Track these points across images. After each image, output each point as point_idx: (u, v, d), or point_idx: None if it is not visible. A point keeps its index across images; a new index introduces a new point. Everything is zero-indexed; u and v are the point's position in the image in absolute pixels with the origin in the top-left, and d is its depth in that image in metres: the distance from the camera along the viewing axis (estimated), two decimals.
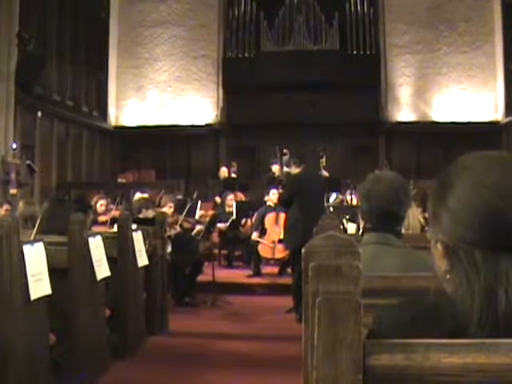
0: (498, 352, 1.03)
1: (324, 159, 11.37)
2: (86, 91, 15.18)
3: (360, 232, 3.72)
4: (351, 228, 6.34)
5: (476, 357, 1.02)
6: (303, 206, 7.23)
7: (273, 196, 9.93)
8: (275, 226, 9.47)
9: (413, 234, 3.87)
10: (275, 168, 11.99)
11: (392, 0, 16.12)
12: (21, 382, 3.54)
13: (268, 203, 10.00)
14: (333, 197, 10.62)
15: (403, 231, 2.97)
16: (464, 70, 15.96)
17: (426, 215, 1.68)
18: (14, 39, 11.19)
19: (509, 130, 14.91)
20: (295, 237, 7.06)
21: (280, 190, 9.21)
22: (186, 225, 8.50)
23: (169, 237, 7.56)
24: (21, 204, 5.68)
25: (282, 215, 9.11)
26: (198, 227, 8.64)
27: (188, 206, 8.86)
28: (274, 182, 10.60)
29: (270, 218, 9.69)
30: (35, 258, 3.70)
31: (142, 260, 5.83)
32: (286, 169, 11.48)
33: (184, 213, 8.54)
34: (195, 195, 9.92)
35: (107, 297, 4.99)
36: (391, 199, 2.57)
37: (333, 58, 15.80)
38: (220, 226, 9.71)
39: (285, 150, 11.90)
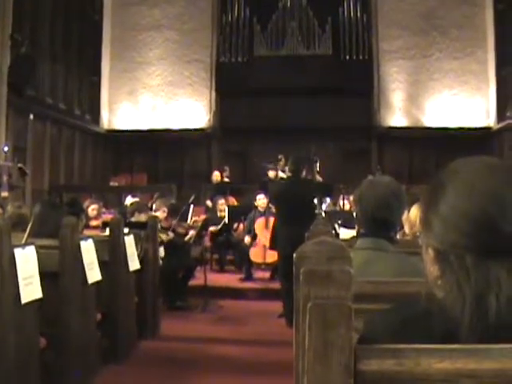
0: (488, 357, 1.03)
1: (318, 164, 11.38)
2: (78, 94, 15.15)
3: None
4: (343, 233, 6.34)
5: (467, 362, 1.02)
6: (280, 213, 7.43)
7: (259, 201, 9.96)
8: (265, 231, 9.46)
9: (408, 240, 3.86)
10: (271, 173, 12.03)
11: (385, 6, 16.18)
12: None
13: (258, 208, 10.01)
14: (326, 202, 10.63)
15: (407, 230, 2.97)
16: (456, 75, 16.02)
17: None
18: (7, 41, 11.16)
19: (500, 136, 14.97)
20: (275, 241, 7.55)
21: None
22: (181, 230, 8.47)
23: (161, 242, 7.54)
24: (9, 207, 5.65)
25: (272, 219, 9.12)
26: (191, 233, 8.64)
27: (182, 210, 8.85)
28: (266, 186, 10.61)
29: (259, 223, 9.70)
30: (26, 261, 3.68)
31: (134, 264, 5.82)
32: (280, 173, 11.53)
33: (178, 218, 8.52)
34: (192, 199, 9.91)
35: (98, 301, 4.97)
36: (380, 205, 2.57)
37: (326, 62, 15.83)
38: (211, 228, 9.73)
39: (279, 156, 11.93)
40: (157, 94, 16.70)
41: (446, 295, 1.13)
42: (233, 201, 11.77)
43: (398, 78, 16.31)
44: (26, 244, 3.85)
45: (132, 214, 7.65)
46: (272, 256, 8.96)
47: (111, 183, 15.07)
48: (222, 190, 11.94)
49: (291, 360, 2.11)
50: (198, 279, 8.44)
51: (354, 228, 6.08)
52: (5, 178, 10.59)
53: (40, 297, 3.79)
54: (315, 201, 7.60)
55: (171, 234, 8.04)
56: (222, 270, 10.42)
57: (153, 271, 6.59)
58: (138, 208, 7.88)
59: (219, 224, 9.99)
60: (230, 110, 16.30)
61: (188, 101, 16.63)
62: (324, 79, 15.57)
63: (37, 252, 3.82)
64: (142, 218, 7.52)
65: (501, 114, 15.04)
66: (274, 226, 8.10)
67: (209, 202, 12.03)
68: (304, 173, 7.38)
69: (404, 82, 16.30)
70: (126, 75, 16.77)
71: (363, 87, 16.00)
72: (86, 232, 6.42)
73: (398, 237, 2.90)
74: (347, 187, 10.16)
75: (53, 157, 13.77)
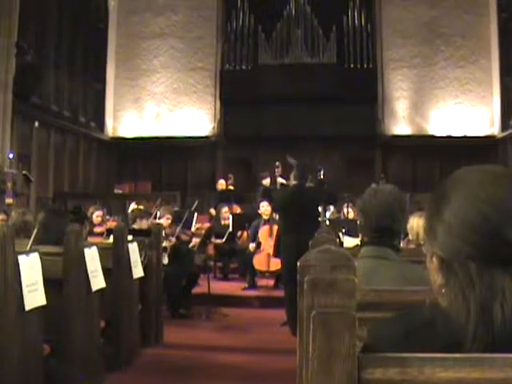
0: (492, 367, 1.03)
1: (322, 172, 11.35)
2: (83, 102, 15.19)
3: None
4: (347, 241, 6.33)
5: (471, 371, 1.02)
6: (284, 220, 7.46)
7: (262, 209, 9.95)
8: (269, 239, 9.45)
9: (412, 249, 3.86)
10: (266, 182, 12.00)
11: (389, 14, 16.20)
12: None
13: (262, 216, 9.99)
14: (330, 211, 10.62)
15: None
16: (460, 84, 16.02)
17: None
18: (13, 49, 11.21)
19: (504, 145, 14.96)
20: (279, 249, 7.55)
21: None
22: (184, 237, 8.48)
23: (165, 249, 7.54)
24: (13, 214, 5.66)
25: (276, 227, 9.10)
26: (194, 240, 8.63)
27: (185, 217, 8.84)
28: (268, 194, 10.58)
29: (263, 231, 9.68)
30: (30, 268, 3.69)
31: (138, 271, 5.81)
32: (280, 179, 11.48)
33: (181, 224, 8.52)
34: (195, 206, 9.90)
35: (102, 308, 4.97)
36: (384, 214, 2.58)
37: (330, 71, 15.85)
38: (216, 241, 9.71)
39: (277, 163, 11.89)
40: (161, 102, 16.73)
41: (451, 304, 1.13)
42: (237, 209, 11.76)
43: (402, 86, 16.32)
44: (30, 251, 3.86)
45: (134, 221, 7.66)
46: (276, 264, 8.94)
47: (115, 190, 15.08)
48: (225, 197, 11.93)
49: (295, 368, 2.10)
50: (201, 287, 8.43)
51: (357, 236, 6.07)
52: (9, 185, 10.61)
53: (44, 304, 3.79)
54: (319, 209, 7.61)
55: (174, 240, 8.04)
56: (225, 278, 10.40)
57: (156, 279, 6.58)
58: (139, 214, 7.89)
59: (223, 232, 9.96)
60: (235, 117, 16.31)
61: (192, 108, 16.66)
62: (328, 87, 15.58)
63: (41, 259, 3.82)
64: (144, 224, 7.53)
65: (505, 123, 15.03)
66: (278, 234, 8.11)
67: (213, 210, 12.02)
68: (309, 181, 7.41)
69: (408, 90, 16.31)
70: (130, 83, 16.81)
71: (367, 95, 16.01)
72: (90, 239, 6.43)
73: (401, 245, 2.90)
74: (351, 195, 10.15)
75: (57, 164, 13.79)
